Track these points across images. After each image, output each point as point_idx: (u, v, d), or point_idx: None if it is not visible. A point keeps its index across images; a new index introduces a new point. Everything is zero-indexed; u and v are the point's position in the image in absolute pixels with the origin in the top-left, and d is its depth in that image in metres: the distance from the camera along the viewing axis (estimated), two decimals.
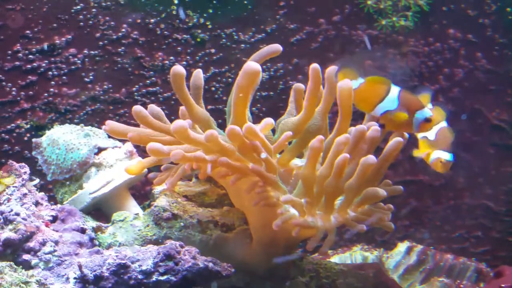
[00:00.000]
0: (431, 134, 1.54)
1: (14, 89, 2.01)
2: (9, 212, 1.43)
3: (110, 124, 1.50)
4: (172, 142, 1.45)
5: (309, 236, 1.42)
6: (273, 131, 1.53)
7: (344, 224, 1.41)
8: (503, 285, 1.79)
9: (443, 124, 1.54)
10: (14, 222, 1.41)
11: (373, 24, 2.14)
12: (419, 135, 1.57)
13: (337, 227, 1.40)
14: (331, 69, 1.47)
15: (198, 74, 1.52)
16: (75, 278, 1.35)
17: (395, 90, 1.43)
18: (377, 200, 1.41)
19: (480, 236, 2.28)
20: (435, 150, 1.53)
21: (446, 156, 1.52)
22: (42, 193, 1.55)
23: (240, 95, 1.37)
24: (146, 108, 1.48)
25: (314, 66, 1.41)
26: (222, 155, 1.36)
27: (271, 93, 2.14)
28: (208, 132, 1.34)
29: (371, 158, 1.34)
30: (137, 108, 1.44)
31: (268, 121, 1.44)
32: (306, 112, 1.44)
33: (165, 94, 2.07)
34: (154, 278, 1.36)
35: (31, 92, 2.02)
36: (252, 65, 1.34)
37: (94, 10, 2.02)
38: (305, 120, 1.45)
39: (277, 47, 1.52)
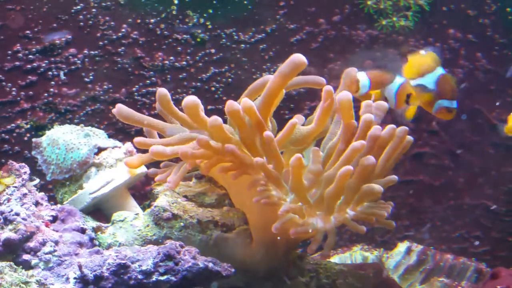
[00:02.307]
0: (430, 83, 1.49)
1: (14, 89, 2.01)
2: (9, 212, 1.43)
3: (119, 107, 1.49)
4: (175, 144, 1.44)
5: (310, 236, 1.42)
6: None
7: (344, 224, 1.41)
8: (499, 287, 1.79)
9: (440, 70, 1.49)
10: (14, 222, 1.41)
11: (373, 24, 2.14)
12: (413, 83, 1.52)
13: (337, 227, 1.40)
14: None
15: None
16: (75, 278, 1.35)
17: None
18: (374, 197, 1.41)
19: (480, 236, 2.28)
20: (438, 99, 1.48)
21: (451, 104, 1.47)
22: (42, 193, 1.55)
23: (277, 82, 1.36)
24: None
25: (328, 89, 1.41)
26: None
27: None
28: (212, 117, 1.34)
29: (371, 159, 1.34)
30: (163, 91, 1.43)
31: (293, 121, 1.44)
32: (316, 126, 1.44)
33: None
34: (154, 278, 1.36)
35: (31, 92, 2.02)
36: (299, 56, 1.35)
37: (94, 10, 2.02)
38: (314, 133, 1.45)
39: (322, 81, 1.51)
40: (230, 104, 1.34)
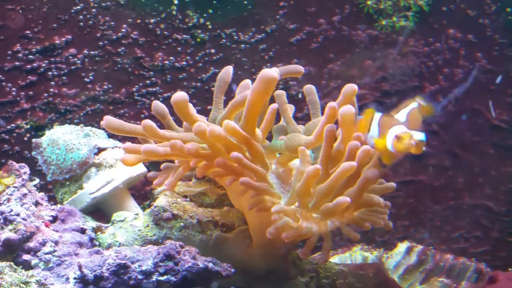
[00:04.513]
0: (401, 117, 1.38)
1: (14, 89, 2.01)
2: (9, 212, 1.43)
3: (107, 119, 1.48)
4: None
5: (308, 237, 1.42)
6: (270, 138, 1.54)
7: (339, 228, 1.40)
8: None
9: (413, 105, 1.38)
10: (14, 222, 1.42)
11: (373, 24, 2.14)
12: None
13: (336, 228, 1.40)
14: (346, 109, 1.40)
15: (229, 70, 1.53)
16: (75, 278, 1.35)
17: (376, 117, 1.38)
18: (373, 206, 1.41)
19: (480, 236, 2.28)
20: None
21: (419, 135, 1.34)
22: (42, 193, 1.55)
23: (253, 101, 1.36)
24: (145, 108, 1.48)
25: (332, 105, 1.37)
26: (213, 151, 1.37)
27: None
28: (197, 123, 1.33)
29: (375, 172, 1.33)
30: (148, 123, 1.41)
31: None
32: (315, 140, 1.42)
33: (165, 94, 2.07)
34: (154, 278, 1.36)
35: (31, 92, 2.02)
36: (268, 71, 1.33)
37: (94, 10, 2.02)
38: (311, 145, 1.44)
39: (300, 69, 1.54)
40: (211, 130, 1.33)
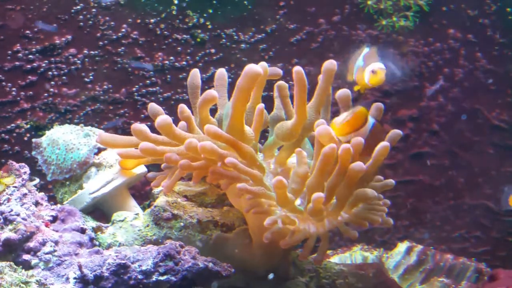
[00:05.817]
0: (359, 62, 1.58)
1: (14, 89, 2.01)
2: (9, 212, 1.43)
3: (101, 135, 1.49)
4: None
5: (306, 237, 1.42)
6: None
7: (337, 227, 1.40)
8: None
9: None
10: (14, 222, 1.42)
11: (373, 24, 2.14)
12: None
13: (330, 230, 1.40)
14: (328, 64, 1.46)
15: (195, 73, 1.53)
16: (75, 278, 1.35)
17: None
18: (368, 201, 1.40)
19: (480, 236, 2.28)
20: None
21: (379, 65, 1.55)
22: (42, 193, 1.55)
23: (239, 97, 1.36)
24: (145, 108, 1.48)
25: (297, 69, 1.40)
26: (207, 161, 1.37)
27: (271, 93, 2.14)
28: (187, 141, 1.33)
29: (359, 165, 1.32)
30: (137, 126, 1.41)
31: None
32: (298, 116, 1.43)
33: (165, 94, 2.08)
34: (154, 278, 1.36)
35: (31, 92, 2.02)
36: (253, 67, 1.34)
37: (94, 10, 2.02)
38: (299, 124, 1.44)
39: (279, 71, 1.59)
40: (202, 146, 1.33)
